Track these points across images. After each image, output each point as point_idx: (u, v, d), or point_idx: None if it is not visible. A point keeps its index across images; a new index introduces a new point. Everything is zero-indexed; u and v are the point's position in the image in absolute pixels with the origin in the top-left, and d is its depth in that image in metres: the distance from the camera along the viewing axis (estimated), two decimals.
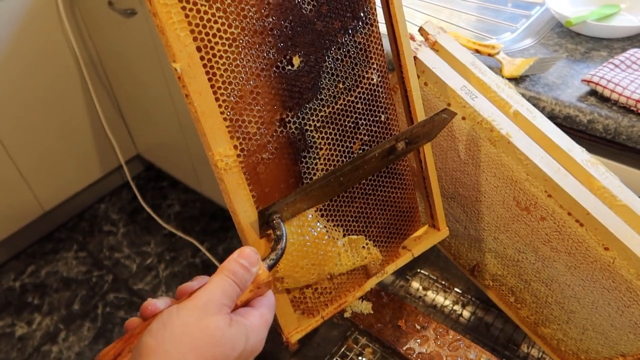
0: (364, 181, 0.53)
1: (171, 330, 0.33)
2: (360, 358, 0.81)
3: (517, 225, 0.62)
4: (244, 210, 0.45)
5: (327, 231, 0.50)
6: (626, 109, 0.70)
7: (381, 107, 0.52)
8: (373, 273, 0.54)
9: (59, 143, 1.79)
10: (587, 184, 0.56)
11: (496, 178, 0.60)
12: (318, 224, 0.49)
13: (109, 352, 0.38)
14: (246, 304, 0.39)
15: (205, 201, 2.01)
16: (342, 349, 0.82)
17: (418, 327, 0.55)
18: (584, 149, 0.58)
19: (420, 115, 0.56)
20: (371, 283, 0.55)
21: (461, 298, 0.87)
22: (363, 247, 0.52)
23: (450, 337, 0.54)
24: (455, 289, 0.88)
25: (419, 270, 0.92)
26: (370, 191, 0.53)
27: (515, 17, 0.98)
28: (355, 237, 0.53)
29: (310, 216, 0.49)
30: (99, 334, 1.59)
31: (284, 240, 0.43)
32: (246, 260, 0.38)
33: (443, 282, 0.90)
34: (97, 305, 1.68)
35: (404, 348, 0.54)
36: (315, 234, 0.49)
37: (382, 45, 0.51)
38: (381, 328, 0.56)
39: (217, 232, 1.89)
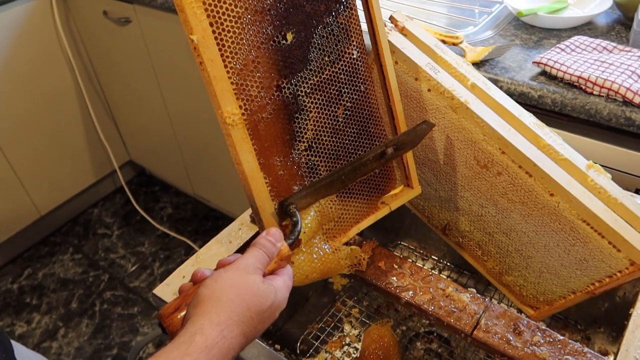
0: (350, 150, 0.63)
1: (221, 283, 0.44)
2: (347, 318, 0.90)
3: (478, 182, 0.72)
4: (247, 160, 0.54)
5: (332, 251, 0.62)
6: (570, 85, 0.81)
7: (361, 78, 0.62)
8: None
9: (55, 149, 1.86)
10: (535, 142, 0.67)
11: (459, 141, 0.70)
12: (324, 245, 0.62)
13: (170, 307, 0.47)
14: (272, 273, 0.50)
15: (197, 203, 2.09)
16: (332, 310, 0.91)
17: (395, 267, 0.65)
18: (532, 114, 0.69)
19: (394, 86, 0.66)
20: (354, 231, 0.65)
21: (438, 264, 0.97)
22: (357, 256, 0.65)
23: (423, 273, 0.64)
24: (432, 257, 0.98)
25: (399, 242, 1.01)
26: (354, 152, 0.63)
27: (477, 14, 1.09)
28: (354, 247, 0.66)
29: (317, 239, 0.61)
30: (98, 329, 1.65)
31: (299, 224, 0.54)
32: (272, 237, 0.50)
33: (421, 251, 0.99)
34: (94, 303, 1.74)
35: (384, 283, 0.63)
36: (322, 253, 0.61)
37: (360, 26, 0.61)
38: (364, 269, 0.65)
39: (209, 231, 1.96)
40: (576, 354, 0.54)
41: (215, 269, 0.50)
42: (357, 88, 0.62)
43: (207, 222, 2.01)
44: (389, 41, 0.70)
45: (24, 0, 1.58)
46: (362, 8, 0.63)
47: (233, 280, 0.45)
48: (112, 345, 1.61)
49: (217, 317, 0.42)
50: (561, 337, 0.55)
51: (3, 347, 0.67)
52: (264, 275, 0.49)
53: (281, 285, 0.49)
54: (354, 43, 0.61)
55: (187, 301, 0.46)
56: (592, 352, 0.53)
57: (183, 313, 0.45)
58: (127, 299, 1.74)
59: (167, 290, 0.68)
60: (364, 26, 0.63)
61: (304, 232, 0.59)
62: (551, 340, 0.55)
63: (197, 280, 0.49)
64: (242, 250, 0.74)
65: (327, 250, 0.61)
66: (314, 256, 0.61)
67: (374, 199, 0.68)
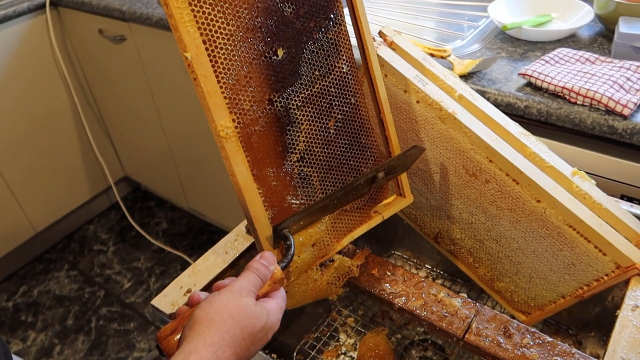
0: (342, 160, 0.65)
1: (215, 305, 0.46)
2: (343, 327, 0.91)
3: (468, 190, 0.74)
4: (240, 172, 0.56)
5: (321, 270, 0.65)
6: (555, 95, 0.84)
7: (351, 91, 0.65)
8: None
9: (50, 166, 1.87)
10: (521, 151, 0.69)
11: (447, 150, 0.72)
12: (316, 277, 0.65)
13: (167, 329, 0.49)
14: (265, 295, 0.52)
15: (192, 217, 2.10)
16: (327, 320, 0.92)
17: (388, 274, 0.66)
18: (517, 124, 0.71)
19: (384, 98, 0.68)
20: (348, 240, 0.66)
21: (431, 272, 0.98)
22: (346, 265, 0.68)
23: (415, 279, 0.65)
24: (426, 265, 0.99)
25: (393, 252, 1.03)
26: (345, 163, 0.65)
27: (464, 28, 1.12)
28: (341, 257, 0.68)
29: (315, 269, 0.65)
30: (94, 346, 1.65)
31: (293, 248, 0.56)
32: (266, 261, 0.52)
33: (415, 260, 1.01)
34: (90, 319, 1.74)
35: (377, 290, 0.64)
36: (315, 277, 0.64)
37: (349, 40, 0.63)
38: (357, 277, 0.67)
39: (204, 245, 1.97)
40: (565, 354, 0.55)
41: (211, 292, 0.52)
42: (348, 100, 0.64)
43: (202, 236, 2.01)
44: (378, 55, 0.72)
45: (20, 19, 1.61)
46: (351, 23, 0.66)
47: (227, 303, 0.47)
48: None
49: (211, 338, 0.44)
50: (550, 339, 0.57)
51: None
52: (257, 298, 0.50)
53: (274, 307, 0.50)
54: (344, 57, 0.63)
55: (184, 323, 0.48)
56: (580, 352, 0.55)
57: (179, 335, 0.47)
58: (123, 315, 1.74)
59: (164, 301, 0.69)
60: (354, 41, 0.66)
61: (296, 267, 0.61)
62: (540, 342, 0.57)
63: (193, 304, 0.51)
64: (237, 260, 0.75)
65: (316, 270, 0.64)
66: (310, 285, 0.64)
67: (367, 208, 0.70)
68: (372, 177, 0.64)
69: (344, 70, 0.63)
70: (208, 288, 0.72)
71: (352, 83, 0.65)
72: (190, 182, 1.85)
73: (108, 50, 1.65)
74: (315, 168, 0.62)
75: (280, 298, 0.52)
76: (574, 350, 0.55)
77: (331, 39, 0.62)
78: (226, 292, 0.48)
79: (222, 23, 0.53)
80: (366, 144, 0.67)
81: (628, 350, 0.57)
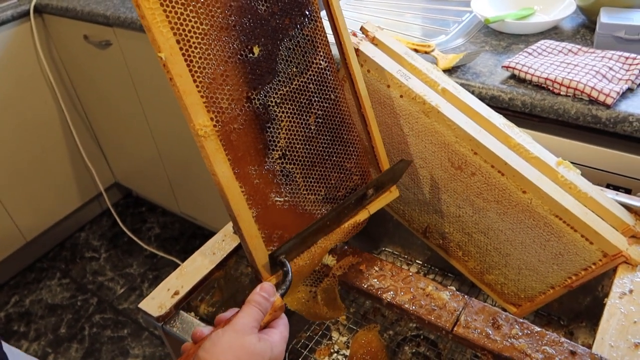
0: (325, 156, 0.65)
1: (220, 346, 0.46)
2: (335, 326, 0.91)
3: (454, 183, 0.73)
4: (222, 171, 0.56)
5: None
6: (538, 87, 0.84)
7: (330, 87, 0.64)
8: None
9: (39, 174, 1.85)
10: (505, 142, 0.69)
11: (432, 144, 0.72)
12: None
13: None
14: (267, 324, 0.52)
15: (184, 222, 2.09)
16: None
17: (377, 269, 0.66)
18: (501, 115, 0.71)
19: (364, 94, 0.67)
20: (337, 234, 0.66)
21: (422, 268, 0.98)
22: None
23: (403, 274, 0.65)
24: (417, 261, 0.99)
25: (383, 249, 1.03)
26: (328, 159, 0.65)
27: (448, 23, 1.13)
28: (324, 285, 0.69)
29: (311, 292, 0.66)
30: (88, 354, 1.63)
31: (290, 274, 0.56)
32: (266, 293, 0.52)
33: (405, 256, 1.01)
34: (83, 327, 1.73)
35: (366, 285, 0.64)
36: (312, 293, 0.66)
37: (326, 36, 0.63)
38: (346, 273, 0.66)
39: (197, 249, 1.95)
40: (553, 344, 0.55)
41: (214, 327, 0.52)
42: (327, 96, 0.64)
43: (194, 240, 2.01)
44: (361, 51, 0.72)
45: (4, 27, 1.59)
46: (327, 19, 0.65)
47: (230, 344, 0.47)
48: None
49: None
50: (538, 329, 0.56)
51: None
52: (260, 329, 0.51)
53: (277, 339, 0.50)
54: (321, 53, 0.63)
55: None
56: (569, 341, 0.55)
57: None
58: (117, 322, 1.73)
59: (152, 304, 0.68)
60: (331, 38, 0.65)
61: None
62: (529, 332, 0.56)
63: (196, 340, 0.51)
64: (225, 261, 0.75)
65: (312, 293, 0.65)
66: (308, 301, 0.67)
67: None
68: (362, 195, 0.65)
69: (322, 66, 0.63)
70: (196, 290, 0.71)
71: (330, 79, 0.64)
72: (181, 186, 1.84)
73: (94, 56, 1.64)
74: (298, 165, 0.62)
75: (283, 326, 0.52)
76: (563, 339, 0.55)
77: (307, 35, 0.61)
78: (229, 331, 0.48)
79: (196, 22, 0.53)
80: (348, 139, 0.67)
81: (616, 337, 0.57)
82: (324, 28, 0.63)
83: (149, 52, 1.46)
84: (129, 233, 1.99)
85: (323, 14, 0.65)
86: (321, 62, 0.63)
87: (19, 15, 1.62)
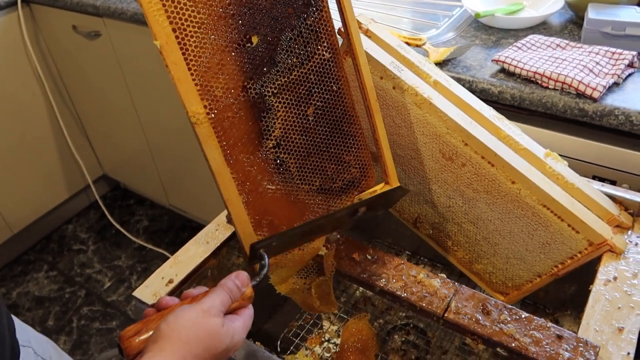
0: (322, 148, 0.65)
1: (182, 322, 0.46)
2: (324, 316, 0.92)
3: (445, 174, 0.75)
4: (213, 156, 0.57)
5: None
6: (527, 80, 0.85)
7: (333, 78, 0.64)
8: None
9: (26, 165, 1.83)
10: (495, 134, 0.70)
11: (424, 135, 0.73)
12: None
13: (130, 330, 0.48)
14: (233, 311, 0.52)
15: (172, 214, 2.08)
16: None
17: (369, 257, 0.67)
18: (491, 108, 0.73)
19: (370, 86, 0.66)
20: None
21: (412, 258, 1.00)
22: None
23: (395, 262, 0.66)
24: (407, 252, 1.01)
25: (374, 240, 1.04)
26: (326, 150, 0.66)
27: (438, 17, 1.14)
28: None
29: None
30: (76, 346, 1.63)
31: (266, 269, 0.56)
32: (240, 282, 0.52)
33: (395, 247, 1.02)
34: (71, 319, 1.72)
35: (358, 273, 0.65)
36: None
37: (333, 27, 0.62)
38: (339, 261, 0.67)
39: (186, 241, 1.95)
40: (540, 328, 0.57)
41: (181, 299, 0.52)
42: (329, 88, 0.64)
43: (183, 233, 2.00)
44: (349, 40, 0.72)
45: None
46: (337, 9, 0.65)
47: (195, 321, 0.47)
48: None
49: (173, 356, 0.44)
50: (526, 314, 0.58)
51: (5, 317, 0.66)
52: (226, 314, 0.50)
53: (240, 327, 0.51)
54: (325, 44, 0.63)
55: (148, 326, 0.48)
56: (555, 326, 0.57)
57: (142, 337, 0.47)
58: (105, 314, 1.73)
59: (146, 292, 0.68)
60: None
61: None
62: (517, 317, 0.58)
63: (161, 308, 0.51)
64: (218, 250, 0.75)
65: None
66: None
67: (350, 194, 0.70)
68: (354, 211, 0.65)
69: (325, 57, 0.63)
70: (190, 278, 0.72)
71: (334, 70, 0.64)
72: (170, 179, 1.84)
73: (83, 47, 1.62)
74: (293, 155, 0.62)
75: (247, 316, 0.52)
76: (550, 324, 0.57)
77: (311, 25, 0.61)
78: (196, 309, 0.48)
79: (192, 12, 0.53)
80: (349, 131, 0.67)
81: (601, 322, 0.59)
82: (330, 18, 0.62)
83: (139, 43, 1.45)
84: (117, 225, 1.98)
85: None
86: (324, 53, 0.63)
87: (6, 4, 1.59)
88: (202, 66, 0.55)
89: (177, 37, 0.53)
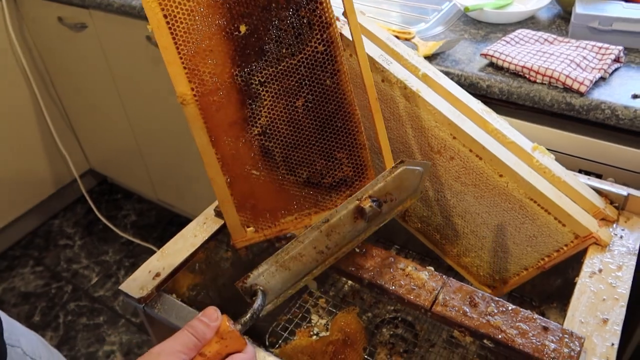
0: (311, 141, 0.65)
1: None
2: (315, 308, 0.92)
3: (433, 168, 0.75)
4: (199, 136, 0.61)
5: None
6: (515, 74, 0.86)
7: (327, 72, 0.63)
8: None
9: (11, 159, 1.81)
10: (483, 127, 0.71)
11: (413, 129, 0.73)
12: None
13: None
14: (223, 355, 0.46)
15: (160, 209, 2.07)
16: (299, 302, 0.93)
17: (357, 251, 0.67)
18: (479, 101, 0.73)
19: (369, 80, 0.65)
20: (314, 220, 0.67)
21: (400, 252, 1.00)
22: None
23: (383, 254, 0.66)
24: (396, 245, 1.01)
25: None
26: (315, 144, 0.65)
27: (427, 11, 1.14)
28: None
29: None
30: (62, 342, 1.61)
31: (259, 311, 0.49)
32: (206, 318, 0.46)
33: (384, 241, 1.02)
34: (58, 315, 1.70)
35: (346, 266, 0.65)
36: None
37: (331, 19, 0.61)
38: None
39: (174, 236, 1.94)
40: (527, 320, 0.57)
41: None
42: (322, 82, 0.63)
43: (171, 227, 1.99)
44: (343, 35, 0.72)
45: None
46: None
47: None
48: (78, 357, 1.57)
49: None
50: (513, 306, 0.58)
51: None
52: (208, 358, 0.45)
53: None
54: (319, 36, 0.61)
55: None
56: (541, 318, 0.57)
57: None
58: (92, 309, 1.71)
59: (133, 285, 0.68)
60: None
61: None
62: (504, 309, 0.58)
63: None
64: (206, 243, 0.75)
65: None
66: None
67: (340, 193, 0.69)
68: (357, 209, 0.60)
69: (319, 50, 0.62)
70: (178, 272, 0.71)
71: (328, 64, 0.62)
72: (158, 173, 1.82)
73: (68, 39, 1.60)
74: (278, 144, 0.63)
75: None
76: (536, 316, 0.57)
77: (304, 17, 0.60)
78: (145, 356, 0.43)
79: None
80: (343, 128, 0.65)
81: (586, 314, 0.59)
82: (328, 10, 0.61)
83: (126, 36, 1.43)
84: (104, 220, 1.96)
85: None
86: (318, 45, 0.62)
87: None
88: (190, 51, 0.58)
89: (167, 23, 0.56)
